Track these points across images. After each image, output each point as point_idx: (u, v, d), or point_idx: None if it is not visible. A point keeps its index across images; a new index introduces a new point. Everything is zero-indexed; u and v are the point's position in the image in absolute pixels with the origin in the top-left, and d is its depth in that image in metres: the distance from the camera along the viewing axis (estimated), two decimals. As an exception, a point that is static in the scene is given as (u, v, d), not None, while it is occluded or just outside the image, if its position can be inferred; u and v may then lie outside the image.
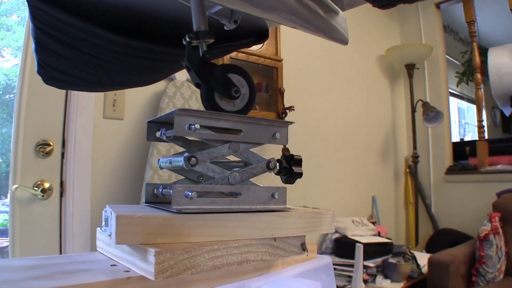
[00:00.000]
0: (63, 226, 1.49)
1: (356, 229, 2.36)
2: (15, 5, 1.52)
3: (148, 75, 0.79)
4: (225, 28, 0.63)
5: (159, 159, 0.54)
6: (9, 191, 1.42)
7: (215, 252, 0.42)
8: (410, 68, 3.03)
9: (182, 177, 0.56)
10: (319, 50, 2.58)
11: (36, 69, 0.66)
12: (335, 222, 0.55)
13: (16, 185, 1.39)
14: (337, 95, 2.71)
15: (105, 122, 1.62)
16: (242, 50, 1.98)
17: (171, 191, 0.51)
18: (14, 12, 1.52)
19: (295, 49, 2.36)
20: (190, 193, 0.43)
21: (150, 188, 0.54)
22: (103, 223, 0.48)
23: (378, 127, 3.03)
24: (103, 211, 0.48)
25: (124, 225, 0.39)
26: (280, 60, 2.14)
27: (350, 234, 2.29)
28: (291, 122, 0.52)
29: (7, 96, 1.55)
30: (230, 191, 0.47)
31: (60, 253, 1.48)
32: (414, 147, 3.01)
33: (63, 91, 1.52)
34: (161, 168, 0.54)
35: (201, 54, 0.48)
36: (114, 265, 0.43)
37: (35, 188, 1.43)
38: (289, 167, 0.56)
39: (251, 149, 0.50)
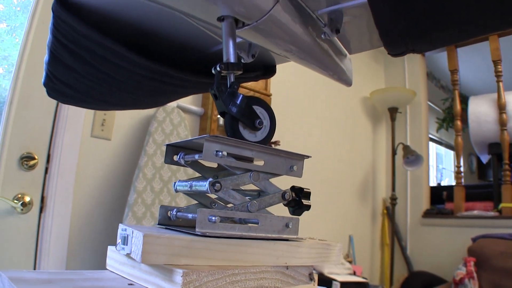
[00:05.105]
0: (39, 242, 1.44)
1: (333, 267, 2.37)
2: (5, 14, 1.51)
3: (158, 98, 0.80)
4: (242, 61, 0.65)
5: (175, 182, 0.54)
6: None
7: (235, 276, 0.43)
8: (393, 111, 3.13)
9: (193, 203, 0.57)
10: (306, 88, 2.64)
11: (42, 80, 0.65)
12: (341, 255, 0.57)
13: (-4, 196, 1.36)
14: (321, 132, 2.77)
15: (92, 140, 1.60)
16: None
17: (187, 215, 0.51)
18: (4, 21, 1.51)
19: (283, 85, 2.40)
20: (214, 218, 0.44)
21: (164, 211, 0.54)
22: (119, 241, 0.48)
23: (358, 167, 3.09)
24: (120, 230, 0.48)
25: (150, 245, 0.39)
26: (269, 95, 2.14)
27: (326, 272, 2.30)
28: (308, 156, 0.54)
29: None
30: (249, 218, 0.48)
31: (34, 269, 1.43)
32: (393, 189, 3.07)
33: (53, 105, 1.50)
34: (176, 191, 0.54)
35: (228, 85, 0.51)
36: (132, 284, 0.43)
37: (15, 201, 1.39)
38: (299, 199, 0.58)
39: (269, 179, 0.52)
